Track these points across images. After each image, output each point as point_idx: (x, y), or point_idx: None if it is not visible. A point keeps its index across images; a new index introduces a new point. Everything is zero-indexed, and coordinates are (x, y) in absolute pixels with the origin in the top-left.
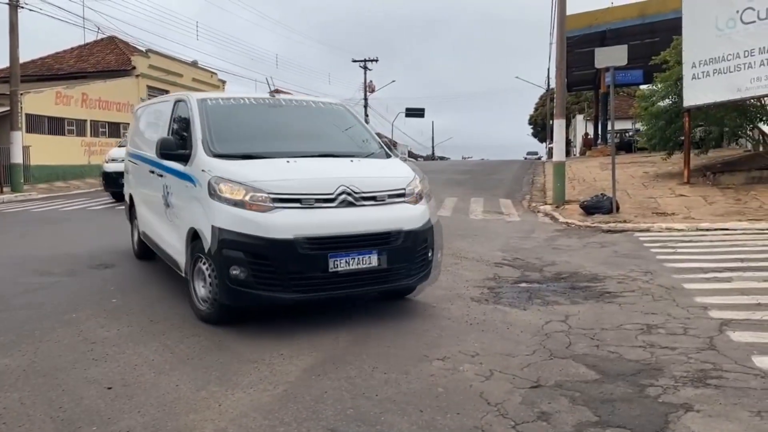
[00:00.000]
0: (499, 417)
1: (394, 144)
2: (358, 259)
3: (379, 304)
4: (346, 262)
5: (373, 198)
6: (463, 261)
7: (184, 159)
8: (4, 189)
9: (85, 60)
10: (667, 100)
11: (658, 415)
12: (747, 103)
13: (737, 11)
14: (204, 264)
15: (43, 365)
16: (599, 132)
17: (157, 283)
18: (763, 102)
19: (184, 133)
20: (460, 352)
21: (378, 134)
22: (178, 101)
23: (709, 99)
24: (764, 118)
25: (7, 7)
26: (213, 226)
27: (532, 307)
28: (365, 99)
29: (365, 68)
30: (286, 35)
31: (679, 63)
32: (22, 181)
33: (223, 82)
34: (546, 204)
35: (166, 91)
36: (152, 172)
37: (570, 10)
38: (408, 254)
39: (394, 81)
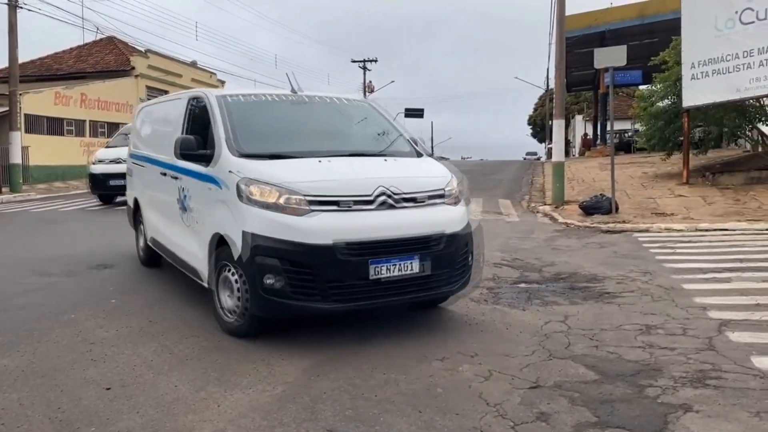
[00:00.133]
0: (498, 417)
1: (415, 142)
2: (400, 265)
3: None
4: (387, 268)
5: (413, 199)
6: None
7: (206, 160)
8: (3, 189)
9: (84, 60)
10: (666, 100)
11: (657, 416)
12: (746, 104)
13: (736, 12)
14: (231, 272)
15: (41, 366)
16: (598, 132)
17: (156, 284)
18: (762, 102)
19: (203, 133)
20: (459, 352)
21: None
22: (192, 99)
23: (708, 99)
24: (763, 119)
25: (6, 7)
26: (244, 232)
27: (531, 308)
28: None
29: (364, 68)
30: (285, 35)
31: (679, 63)
32: (21, 181)
33: (222, 82)
34: (545, 204)
35: (166, 92)
36: (164, 174)
37: (569, 11)
38: (449, 259)
39: (393, 81)
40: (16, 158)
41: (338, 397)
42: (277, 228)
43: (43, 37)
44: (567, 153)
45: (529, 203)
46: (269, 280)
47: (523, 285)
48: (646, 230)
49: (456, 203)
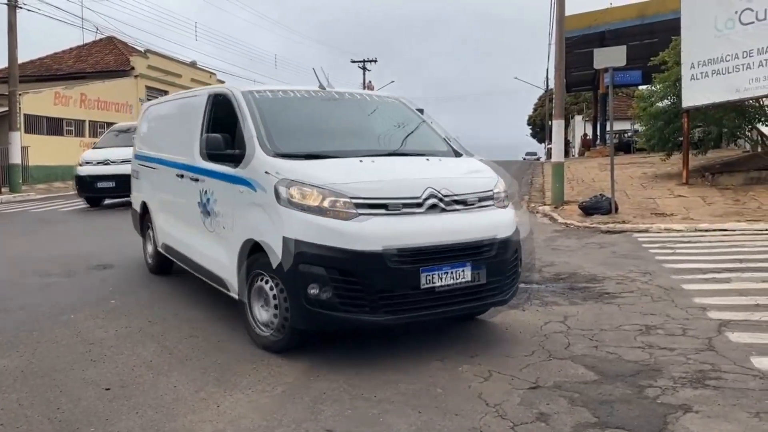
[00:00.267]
0: (498, 418)
1: (451, 141)
2: (452, 273)
3: None
4: (438, 277)
5: (463, 202)
6: None
7: (235, 160)
8: (3, 189)
9: (83, 60)
10: (666, 100)
11: (656, 416)
12: (746, 104)
13: (736, 12)
14: (267, 282)
15: (41, 366)
16: (598, 132)
17: (156, 284)
18: (761, 103)
19: (228, 132)
20: (458, 352)
21: None
22: (214, 95)
23: (707, 100)
24: (763, 119)
25: (5, 7)
26: (285, 238)
27: (530, 308)
28: None
29: (364, 69)
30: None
31: (678, 63)
32: (20, 181)
33: (222, 82)
34: (545, 204)
35: (165, 92)
36: (181, 176)
37: (569, 11)
38: (501, 267)
39: (393, 81)
40: (15, 158)
41: (338, 398)
42: (323, 234)
43: (42, 37)
44: (567, 153)
45: (529, 203)
46: (314, 291)
47: (522, 285)
48: (646, 230)
49: (505, 206)
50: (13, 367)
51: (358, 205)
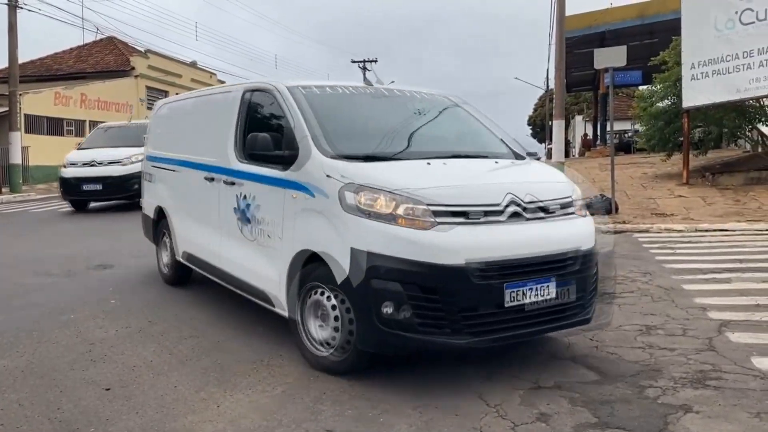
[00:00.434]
0: (498, 418)
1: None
2: (536, 289)
3: None
4: (523, 293)
5: (545, 209)
6: None
7: (285, 162)
8: (3, 190)
9: (84, 60)
10: (666, 100)
11: (657, 417)
12: (746, 104)
13: (736, 12)
14: (327, 297)
15: (41, 366)
16: (598, 133)
17: (156, 284)
18: (761, 103)
19: (271, 131)
20: (458, 353)
21: None
22: (251, 91)
23: (708, 100)
24: (763, 119)
25: (5, 7)
26: (354, 250)
27: None
28: None
29: (364, 69)
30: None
31: (679, 64)
32: (20, 181)
33: (222, 82)
34: None
35: (166, 92)
36: (211, 179)
37: (569, 11)
38: (585, 281)
39: (393, 81)
40: (16, 158)
41: (338, 398)
42: (399, 245)
43: (43, 37)
44: (567, 153)
45: None
46: (388, 309)
47: None
48: (646, 230)
49: (584, 215)
50: (13, 367)
51: (436, 213)
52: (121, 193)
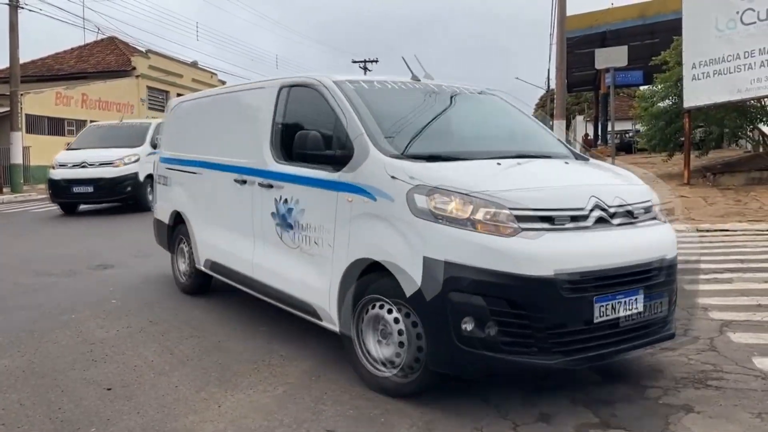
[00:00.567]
0: (499, 418)
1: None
2: (625, 303)
3: None
4: (612, 307)
5: (630, 214)
6: None
7: (336, 162)
8: (4, 189)
9: (85, 60)
10: (667, 100)
11: (658, 417)
12: (747, 104)
13: (737, 12)
14: (389, 310)
15: (42, 366)
16: (599, 133)
17: (157, 284)
18: (763, 103)
19: (320, 129)
20: None
21: None
22: (287, 87)
23: (709, 100)
24: (764, 119)
25: (7, 7)
26: (428, 259)
27: None
28: None
29: (365, 69)
30: (286, 35)
31: (680, 64)
32: (21, 181)
33: (223, 82)
34: None
35: (167, 92)
36: (243, 181)
37: (570, 11)
38: (669, 294)
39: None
40: (17, 158)
41: (339, 398)
42: (481, 253)
43: (44, 37)
44: None
45: None
46: (469, 326)
47: None
48: None
49: (664, 220)
50: (15, 367)
51: (519, 218)
52: (114, 196)
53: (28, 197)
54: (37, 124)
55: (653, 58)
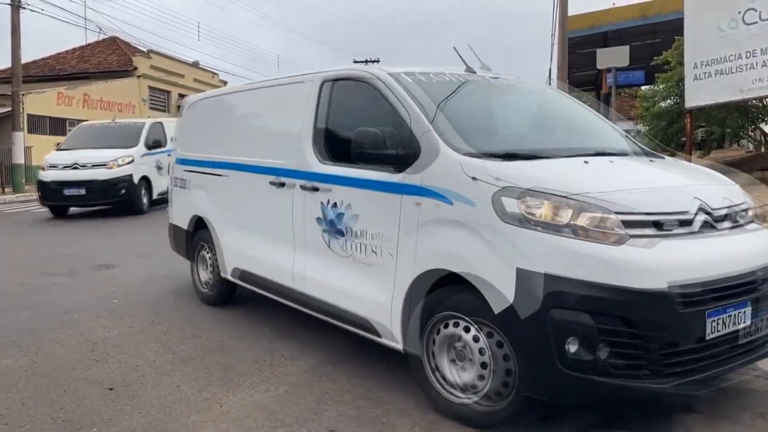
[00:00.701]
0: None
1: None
2: (735, 316)
3: None
4: (722, 322)
5: (732, 218)
6: None
7: (399, 162)
8: (6, 189)
9: (86, 60)
10: (668, 100)
11: (660, 417)
12: (749, 104)
13: (739, 12)
14: (466, 328)
15: (44, 366)
16: None
17: (159, 284)
18: (765, 103)
19: (376, 126)
20: None
21: None
22: (331, 81)
23: (711, 100)
24: (766, 119)
25: (8, 8)
26: (523, 271)
27: None
28: None
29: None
30: (287, 35)
31: (681, 63)
32: (23, 181)
33: (225, 83)
34: None
35: (168, 92)
36: (281, 184)
37: (571, 11)
38: None
39: None
40: (18, 158)
41: (340, 398)
42: (587, 265)
43: (45, 37)
44: None
45: None
46: (574, 347)
47: None
48: None
49: (760, 225)
50: (17, 366)
51: (626, 223)
52: (107, 199)
53: (30, 197)
54: (38, 124)
55: (655, 58)
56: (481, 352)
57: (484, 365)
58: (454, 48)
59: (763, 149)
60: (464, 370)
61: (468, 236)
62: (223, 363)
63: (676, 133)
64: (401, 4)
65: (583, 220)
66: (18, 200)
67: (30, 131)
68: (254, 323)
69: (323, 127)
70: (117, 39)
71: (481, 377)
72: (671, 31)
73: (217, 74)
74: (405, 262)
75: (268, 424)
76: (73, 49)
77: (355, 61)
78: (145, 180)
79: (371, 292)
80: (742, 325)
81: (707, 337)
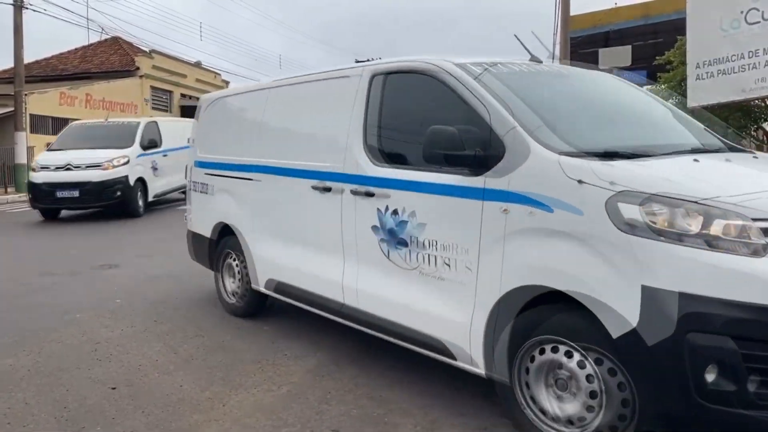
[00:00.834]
0: (504, 418)
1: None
2: None
3: None
4: None
5: None
6: None
7: (477, 164)
8: (8, 189)
9: (89, 60)
10: (671, 100)
11: None
12: (751, 104)
13: (741, 12)
14: (567, 353)
15: (47, 365)
16: None
17: (160, 283)
18: (767, 103)
19: (420, 124)
20: None
21: None
22: (382, 75)
23: (713, 100)
24: None
25: (11, 8)
26: (650, 289)
27: None
28: None
29: None
30: (289, 35)
31: (683, 63)
32: (26, 181)
33: (227, 83)
34: None
35: (170, 92)
36: (325, 189)
37: (573, 11)
38: None
39: None
40: (21, 158)
41: (343, 397)
42: (729, 281)
43: (48, 37)
44: None
45: None
46: (712, 376)
47: None
48: None
49: None
50: (20, 366)
51: (765, 231)
52: (101, 201)
53: None
54: (41, 124)
55: (657, 57)
56: (588, 379)
57: (593, 395)
58: (515, 35)
59: (765, 149)
60: (570, 401)
61: (574, 248)
62: (226, 363)
63: None
64: (403, 4)
65: (718, 229)
66: (20, 200)
67: (32, 131)
68: (256, 323)
69: (376, 126)
70: (119, 39)
71: (590, 408)
72: (673, 30)
73: (219, 74)
74: (488, 277)
75: (271, 423)
76: (76, 49)
77: (357, 61)
78: (141, 182)
79: (444, 310)
80: None
81: None
